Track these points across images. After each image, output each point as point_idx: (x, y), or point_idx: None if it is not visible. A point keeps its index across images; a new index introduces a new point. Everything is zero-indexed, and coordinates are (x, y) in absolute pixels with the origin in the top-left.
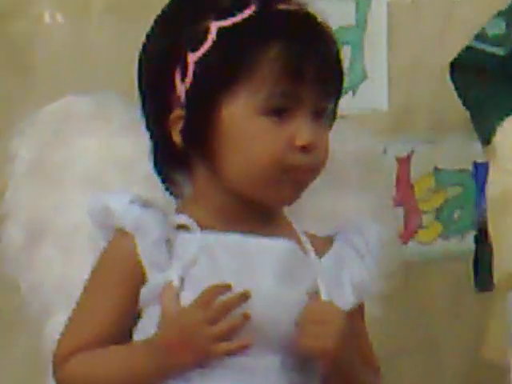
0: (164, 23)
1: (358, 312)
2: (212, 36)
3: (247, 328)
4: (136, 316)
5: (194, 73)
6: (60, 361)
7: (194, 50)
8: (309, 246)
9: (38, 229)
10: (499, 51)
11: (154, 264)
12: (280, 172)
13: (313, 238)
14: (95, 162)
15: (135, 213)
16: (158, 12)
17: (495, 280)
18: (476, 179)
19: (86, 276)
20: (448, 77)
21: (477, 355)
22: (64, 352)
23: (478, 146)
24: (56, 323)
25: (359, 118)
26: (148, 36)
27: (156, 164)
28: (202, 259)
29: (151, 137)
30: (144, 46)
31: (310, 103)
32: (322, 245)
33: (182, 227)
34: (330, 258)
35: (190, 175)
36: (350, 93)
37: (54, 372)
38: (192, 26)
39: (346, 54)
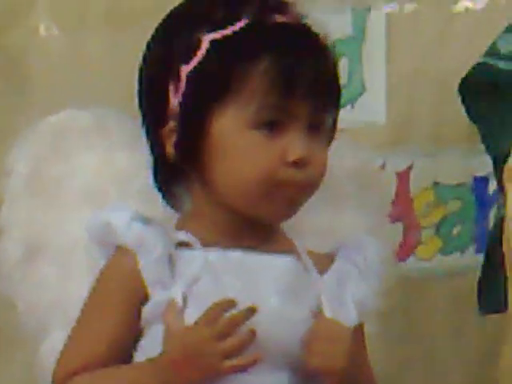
0: (159, 35)
1: (359, 329)
2: (203, 49)
3: (253, 345)
4: (138, 335)
5: (186, 85)
6: (60, 381)
7: (187, 62)
8: (310, 263)
9: (34, 245)
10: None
11: (156, 282)
12: (271, 187)
13: (313, 255)
14: (93, 176)
15: (137, 229)
16: (154, 23)
17: None
18: (476, 193)
19: (83, 294)
20: (447, 89)
21: (484, 375)
22: (64, 372)
23: (477, 159)
24: (53, 341)
25: (358, 131)
26: (146, 48)
27: (155, 178)
28: (204, 276)
29: (150, 150)
30: (142, 58)
31: (303, 117)
32: (323, 262)
33: (182, 244)
34: (331, 275)
35: (189, 190)
36: (349, 106)
37: None
38: (185, 39)
39: (343, 66)
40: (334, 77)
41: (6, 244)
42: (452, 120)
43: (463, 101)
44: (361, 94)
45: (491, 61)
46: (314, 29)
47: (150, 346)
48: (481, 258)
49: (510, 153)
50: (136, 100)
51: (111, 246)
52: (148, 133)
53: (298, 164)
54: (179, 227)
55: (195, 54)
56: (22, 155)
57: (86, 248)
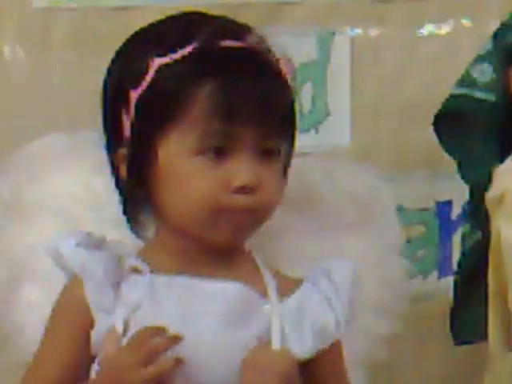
0: (114, 60)
1: (329, 355)
2: (151, 73)
3: (188, 372)
4: (92, 359)
5: (135, 110)
6: None
7: (136, 87)
8: (271, 289)
9: (17, 269)
10: (490, 97)
11: (100, 308)
12: (216, 213)
13: (282, 280)
14: (70, 200)
15: (80, 256)
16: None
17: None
18: (439, 218)
19: None
20: (411, 113)
21: None
22: None
23: (440, 184)
24: None
25: (322, 154)
26: (106, 73)
27: (124, 206)
28: (146, 303)
29: (112, 175)
30: (102, 83)
31: (249, 143)
32: (290, 287)
33: (136, 270)
34: (293, 301)
35: (151, 217)
36: (313, 129)
37: None
38: (136, 63)
39: (308, 90)
40: (285, 103)
41: None
42: (415, 144)
43: (438, 132)
44: (325, 117)
45: (467, 91)
46: (273, 54)
47: None
48: (443, 283)
49: (490, 180)
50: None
51: (69, 270)
52: (108, 158)
53: (243, 190)
54: (139, 253)
55: (144, 79)
56: (5, 180)
57: None
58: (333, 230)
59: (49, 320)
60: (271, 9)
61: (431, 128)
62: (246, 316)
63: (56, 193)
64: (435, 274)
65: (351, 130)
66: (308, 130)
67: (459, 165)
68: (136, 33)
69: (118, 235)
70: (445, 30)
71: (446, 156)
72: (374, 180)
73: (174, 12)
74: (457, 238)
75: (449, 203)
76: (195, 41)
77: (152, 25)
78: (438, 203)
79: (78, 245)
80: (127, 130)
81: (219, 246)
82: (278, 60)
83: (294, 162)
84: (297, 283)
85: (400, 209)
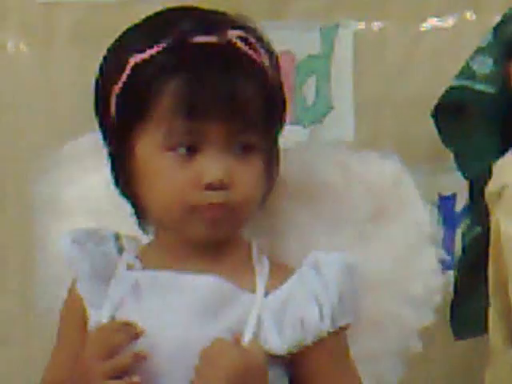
0: (104, 57)
1: (321, 350)
2: (127, 70)
3: (154, 366)
4: None
5: (115, 107)
6: None
7: (115, 83)
8: (260, 281)
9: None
10: (490, 89)
11: (91, 303)
12: (188, 211)
13: (278, 272)
14: (105, 199)
15: (73, 253)
16: None
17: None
18: (442, 212)
19: None
20: (414, 107)
21: None
22: None
23: (443, 178)
24: None
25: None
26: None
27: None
28: (129, 298)
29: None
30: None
31: (219, 139)
32: (284, 279)
33: (131, 266)
34: (280, 293)
35: None
36: (317, 123)
37: None
38: (117, 60)
39: (311, 84)
40: (259, 98)
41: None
42: (419, 138)
43: (437, 125)
44: (329, 111)
45: (467, 83)
46: (256, 49)
47: None
48: (447, 277)
49: (489, 175)
50: None
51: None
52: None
53: (213, 186)
54: (139, 249)
55: (121, 75)
56: (43, 181)
57: None
58: (348, 223)
59: (60, 317)
60: (275, 2)
61: None
62: (220, 309)
63: (93, 192)
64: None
65: (354, 124)
66: (312, 123)
67: (456, 158)
68: (124, 30)
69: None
70: (448, 23)
71: None
72: (392, 167)
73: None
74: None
75: (452, 197)
76: (169, 37)
77: (139, 21)
78: (441, 197)
79: (73, 242)
80: (110, 127)
81: (198, 241)
82: (261, 54)
83: (301, 153)
84: (289, 276)
85: None
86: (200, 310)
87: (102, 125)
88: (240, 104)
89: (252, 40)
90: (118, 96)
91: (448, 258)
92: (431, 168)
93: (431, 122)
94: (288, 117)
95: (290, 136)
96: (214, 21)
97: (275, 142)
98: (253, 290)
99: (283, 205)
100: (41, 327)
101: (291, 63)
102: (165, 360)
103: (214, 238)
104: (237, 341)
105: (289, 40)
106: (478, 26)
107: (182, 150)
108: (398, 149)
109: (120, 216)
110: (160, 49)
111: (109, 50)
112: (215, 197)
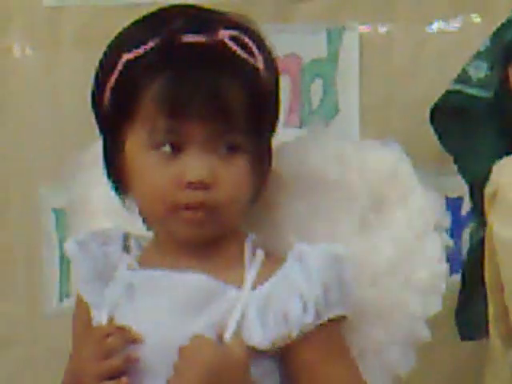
0: (103, 53)
1: (310, 342)
2: (119, 67)
3: (142, 365)
4: None
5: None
6: None
7: (108, 80)
8: (248, 276)
9: None
10: (485, 93)
11: (92, 303)
12: (170, 210)
13: (271, 266)
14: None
15: (76, 254)
16: None
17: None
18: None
19: None
20: (420, 110)
21: None
22: None
23: (450, 180)
24: None
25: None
26: None
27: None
28: (124, 298)
29: None
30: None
31: (202, 139)
32: (272, 273)
33: (131, 266)
34: (263, 288)
35: None
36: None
37: None
38: (112, 56)
39: (317, 87)
40: (245, 98)
41: None
42: (425, 141)
43: (435, 129)
44: (335, 114)
45: (461, 87)
46: (250, 48)
47: None
48: (454, 279)
49: (487, 177)
50: None
51: None
52: None
53: (194, 185)
54: (143, 248)
55: (113, 73)
56: (72, 183)
57: None
58: (348, 213)
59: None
60: (281, 5)
61: None
62: (205, 306)
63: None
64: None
65: (360, 127)
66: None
67: (456, 162)
68: (121, 29)
69: None
70: (454, 26)
71: None
72: (390, 154)
73: None
74: (467, 235)
75: (459, 199)
76: (158, 36)
77: (137, 18)
78: (447, 199)
79: (77, 243)
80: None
81: (185, 241)
82: (255, 55)
83: (296, 145)
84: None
85: None
86: (185, 307)
87: (97, 118)
88: (224, 104)
89: (246, 40)
90: (110, 92)
91: (452, 243)
92: (437, 170)
93: None
94: (294, 120)
95: None
96: (206, 20)
97: (265, 142)
98: (241, 285)
99: (280, 197)
100: (46, 329)
101: (297, 66)
102: (151, 359)
103: (198, 239)
104: (219, 337)
105: (295, 43)
106: (484, 29)
107: (165, 149)
108: (404, 151)
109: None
110: (149, 47)
111: (107, 46)
112: (196, 196)
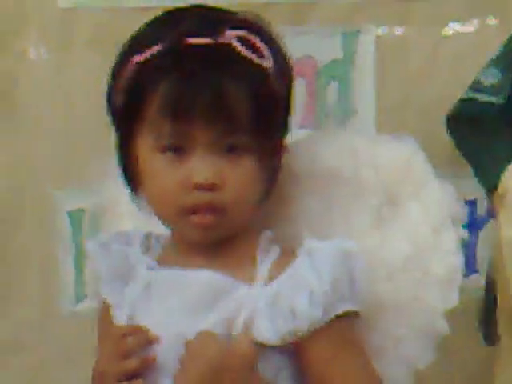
0: (117, 54)
1: (318, 337)
2: (129, 69)
3: (155, 363)
4: None
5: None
6: None
7: (119, 82)
8: (260, 273)
9: None
10: (497, 100)
11: (113, 303)
12: (179, 213)
13: (284, 262)
14: None
15: (96, 255)
16: None
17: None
18: None
19: None
20: (436, 112)
21: None
22: None
23: (465, 183)
24: None
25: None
26: None
27: None
28: (141, 298)
29: None
30: None
31: (207, 141)
32: (285, 269)
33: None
34: (273, 285)
35: None
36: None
37: None
38: (123, 58)
39: (333, 89)
40: (250, 99)
41: None
42: (440, 143)
43: (453, 136)
44: (351, 116)
45: (473, 94)
46: (259, 49)
47: None
48: (470, 281)
49: (498, 180)
50: None
51: None
52: None
53: (201, 187)
54: (162, 248)
55: (123, 76)
56: (102, 187)
57: None
58: (362, 208)
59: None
60: (297, 8)
61: None
62: (216, 303)
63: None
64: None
65: (376, 128)
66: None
67: (473, 168)
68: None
69: None
70: (470, 28)
71: None
72: (403, 148)
73: None
74: (482, 236)
75: (474, 202)
76: (165, 39)
77: (150, 20)
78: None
79: (98, 244)
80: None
81: (196, 243)
82: (263, 56)
83: (309, 141)
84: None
85: None
86: (197, 305)
87: (111, 119)
88: (227, 106)
89: (254, 41)
90: (121, 94)
91: (468, 236)
92: (453, 172)
93: None
94: (309, 122)
95: None
96: (214, 21)
97: (273, 142)
98: (252, 283)
99: (294, 193)
100: (61, 330)
101: (313, 68)
102: (164, 357)
103: (208, 242)
104: (228, 333)
105: (311, 45)
106: (500, 31)
107: (171, 152)
108: None
109: None
110: (155, 50)
111: (121, 48)
112: (203, 198)
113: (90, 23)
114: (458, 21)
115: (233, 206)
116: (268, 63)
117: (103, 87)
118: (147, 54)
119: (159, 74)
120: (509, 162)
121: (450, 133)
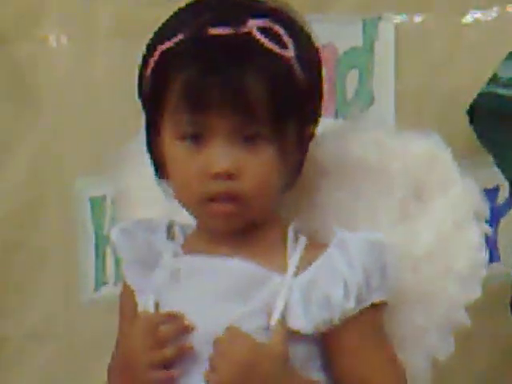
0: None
1: (349, 327)
2: (155, 57)
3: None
4: None
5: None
6: None
7: (146, 70)
8: (291, 262)
9: None
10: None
11: (138, 289)
12: (199, 202)
13: (312, 252)
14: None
15: (121, 241)
16: None
17: None
18: None
19: None
20: (456, 101)
21: None
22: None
23: (486, 171)
24: None
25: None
26: None
27: None
28: (169, 285)
29: None
30: None
31: (225, 130)
32: (314, 260)
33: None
34: (306, 274)
35: None
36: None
37: None
38: (150, 47)
39: (353, 77)
40: (269, 89)
41: None
42: (460, 132)
43: (475, 129)
44: (370, 104)
45: (492, 88)
46: (281, 38)
47: None
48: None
49: None
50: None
51: None
52: None
53: (219, 176)
54: (188, 236)
55: (149, 64)
56: (114, 175)
57: None
58: (388, 201)
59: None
60: None
61: None
62: (249, 292)
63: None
64: None
65: (396, 117)
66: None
67: (495, 159)
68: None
69: None
70: (490, 16)
71: None
72: (429, 143)
73: None
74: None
75: (495, 190)
76: (187, 29)
77: (177, 9)
78: (484, 190)
79: (122, 231)
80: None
81: (218, 231)
82: (287, 45)
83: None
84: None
85: None
86: (228, 293)
87: (142, 104)
88: (246, 97)
89: (276, 29)
90: (148, 81)
91: (491, 231)
92: (473, 161)
93: None
94: (329, 110)
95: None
96: (236, 10)
97: (296, 131)
98: (284, 272)
99: (321, 184)
100: (82, 318)
101: (333, 56)
102: (196, 345)
103: (229, 230)
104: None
105: (331, 33)
106: None
107: (190, 140)
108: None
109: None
110: (178, 40)
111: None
112: (221, 186)
113: (111, 11)
114: (478, 8)
115: (251, 195)
116: (290, 53)
117: (125, 74)
118: (171, 42)
119: (180, 63)
120: None
121: (473, 127)
